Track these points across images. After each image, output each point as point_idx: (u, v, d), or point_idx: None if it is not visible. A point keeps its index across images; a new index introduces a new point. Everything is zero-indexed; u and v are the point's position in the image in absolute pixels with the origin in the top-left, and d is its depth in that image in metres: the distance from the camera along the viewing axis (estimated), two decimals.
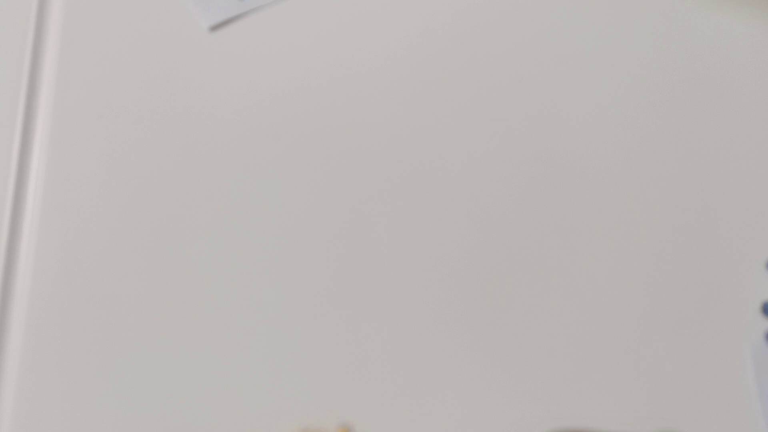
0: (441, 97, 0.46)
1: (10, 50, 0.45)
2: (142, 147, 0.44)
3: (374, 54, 0.46)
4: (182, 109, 0.45)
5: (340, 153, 0.44)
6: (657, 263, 0.43)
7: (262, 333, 0.41)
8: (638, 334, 0.42)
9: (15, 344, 0.41)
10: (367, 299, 0.42)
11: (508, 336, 0.42)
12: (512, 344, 0.41)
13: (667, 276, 0.43)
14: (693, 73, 0.47)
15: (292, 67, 0.46)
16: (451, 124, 0.45)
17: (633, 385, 0.41)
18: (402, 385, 0.41)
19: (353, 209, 0.43)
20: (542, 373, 0.41)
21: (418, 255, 0.43)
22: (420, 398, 0.41)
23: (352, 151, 0.44)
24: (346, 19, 0.47)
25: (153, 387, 0.40)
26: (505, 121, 0.45)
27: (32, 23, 0.46)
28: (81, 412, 0.40)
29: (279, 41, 0.46)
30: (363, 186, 0.44)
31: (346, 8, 0.47)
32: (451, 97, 0.46)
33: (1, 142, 0.44)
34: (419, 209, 0.43)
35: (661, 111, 0.46)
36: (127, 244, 0.42)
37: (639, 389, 0.41)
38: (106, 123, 0.44)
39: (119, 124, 0.44)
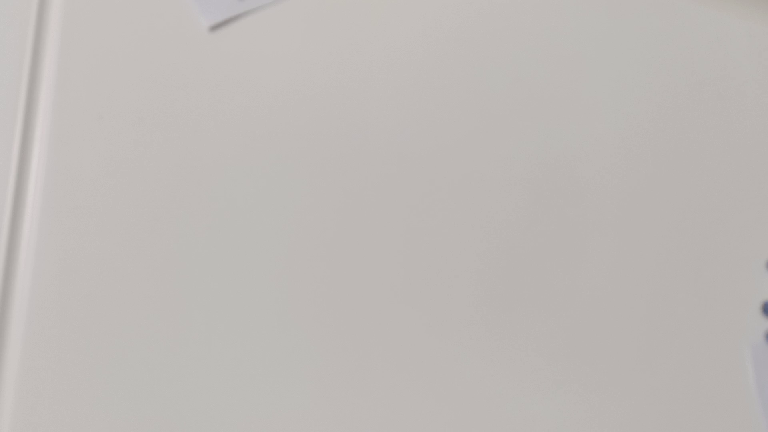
0: (443, 98, 0.46)
1: (10, 50, 0.45)
2: (142, 147, 0.44)
3: (375, 54, 0.46)
4: (182, 109, 0.45)
5: (341, 153, 0.44)
6: (657, 263, 0.43)
7: (263, 333, 0.41)
8: (638, 334, 0.42)
9: (15, 344, 0.41)
10: (370, 301, 0.42)
11: (509, 336, 0.42)
12: (513, 344, 0.41)
13: (667, 276, 0.43)
14: (693, 73, 0.47)
15: (293, 67, 0.46)
16: (453, 124, 0.45)
17: (633, 384, 0.41)
18: (404, 388, 0.41)
19: (354, 210, 0.43)
20: (542, 372, 0.41)
21: (420, 256, 0.43)
22: (422, 400, 0.41)
23: (353, 152, 0.44)
24: (347, 19, 0.47)
25: (153, 387, 0.40)
26: (506, 123, 0.45)
27: (32, 23, 0.46)
28: (81, 412, 0.40)
29: (279, 41, 0.46)
30: (364, 186, 0.44)
31: (347, 8, 0.47)
32: (454, 97, 0.46)
33: (1, 142, 0.44)
34: (421, 211, 0.43)
35: (660, 111, 0.46)
36: (127, 244, 0.42)
37: (639, 389, 0.41)
38: (106, 123, 0.44)
39: (119, 124, 0.44)
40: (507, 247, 0.43)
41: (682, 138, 0.45)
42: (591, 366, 0.41)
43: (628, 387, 0.41)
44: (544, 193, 0.44)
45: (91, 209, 0.43)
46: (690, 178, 0.45)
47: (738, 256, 0.43)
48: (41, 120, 0.44)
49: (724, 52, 0.47)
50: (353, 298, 0.42)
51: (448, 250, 0.43)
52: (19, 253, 0.42)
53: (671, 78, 0.46)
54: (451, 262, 0.43)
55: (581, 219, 0.44)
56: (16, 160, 0.43)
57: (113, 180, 0.43)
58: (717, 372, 0.41)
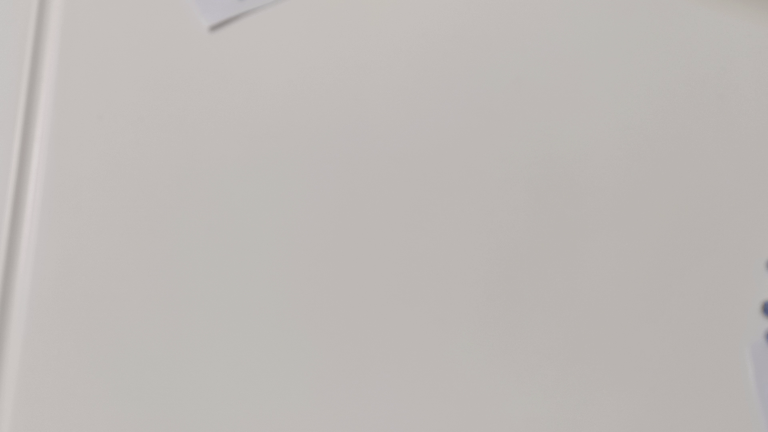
0: (443, 98, 0.46)
1: (10, 50, 0.45)
2: (142, 147, 0.44)
3: (375, 54, 0.46)
4: (182, 109, 0.45)
5: (341, 153, 0.44)
6: (657, 263, 0.43)
7: (265, 333, 0.41)
8: (638, 334, 0.42)
9: (15, 344, 0.41)
10: (369, 300, 0.42)
11: (509, 336, 0.42)
12: (513, 344, 0.41)
13: (667, 276, 0.43)
14: (693, 73, 0.47)
15: (293, 67, 0.46)
16: (453, 124, 0.45)
17: (633, 384, 0.41)
18: (404, 388, 0.41)
19: (354, 209, 0.43)
20: (543, 372, 0.41)
21: (420, 256, 0.43)
22: (422, 400, 0.41)
23: (353, 151, 0.44)
24: (347, 19, 0.47)
25: (152, 387, 0.40)
26: (506, 123, 0.45)
27: (32, 23, 0.46)
28: (81, 412, 0.40)
29: (279, 41, 0.46)
30: (364, 186, 0.44)
31: (347, 8, 0.47)
32: (453, 97, 0.46)
33: (1, 142, 0.44)
34: (421, 210, 0.43)
35: (660, 111, 0.46)
36: (127, 244, 0.42)
37: (639, 389, 0.41)
38: (106, 123, 0.44)
39: (119, 124, 0.44)
40: (506, 247, 0.43)
41: (681, 138, 0.45)
42: (591, 366, 0.41)
43: (628, 387, 0.41)
44: (544, 193, 0.44)
45: (91, 209, 0.43)
46: (690, 178, 0.45)
47: (738, 256, 0.43)
48: (41, 120, 0.44)
49: (724, 52, 0.47)
50: (353, 297, 0.42)
51: (448, 249, 0.43)
52: (19, 253, 0.42)
53: (671, 78, 0.46)
54: (451, 262, 0.43)
55: (581, 219, 0.44)
56: (16, 160, 0.43)
57: (113, 180, 0.43)
58: (717, 372, 0.41)
